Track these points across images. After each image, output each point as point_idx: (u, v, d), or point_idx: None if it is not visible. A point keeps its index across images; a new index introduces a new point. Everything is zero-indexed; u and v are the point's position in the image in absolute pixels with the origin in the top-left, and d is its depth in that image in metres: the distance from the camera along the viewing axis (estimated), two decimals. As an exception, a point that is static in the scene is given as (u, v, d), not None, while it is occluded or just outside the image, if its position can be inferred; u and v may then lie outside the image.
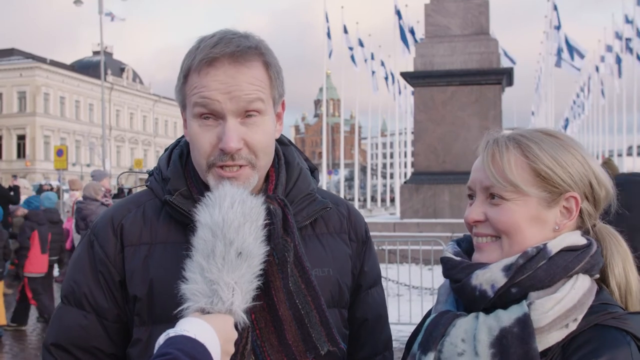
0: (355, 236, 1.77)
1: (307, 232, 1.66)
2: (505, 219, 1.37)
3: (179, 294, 1.34)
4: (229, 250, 1.32)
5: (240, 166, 1.50)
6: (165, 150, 1.73)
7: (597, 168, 1.40)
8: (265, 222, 1.44)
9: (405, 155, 35.03)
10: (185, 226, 1.55)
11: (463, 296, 1.40)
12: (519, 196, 1.35)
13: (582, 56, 29.84)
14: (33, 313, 9.87)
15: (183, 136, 1.69)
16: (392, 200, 34.81)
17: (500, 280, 1.32)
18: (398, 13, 29.84)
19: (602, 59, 37.35)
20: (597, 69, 39.21)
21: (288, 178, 1.66)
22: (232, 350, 1.32)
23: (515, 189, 1.35)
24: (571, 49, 28.55)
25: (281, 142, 1.72)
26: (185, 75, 1.53)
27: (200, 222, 1.39)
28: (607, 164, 6.70)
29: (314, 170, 1.76)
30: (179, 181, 1.60)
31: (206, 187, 1.56)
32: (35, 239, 9.47)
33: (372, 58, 33.78)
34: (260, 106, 1.51)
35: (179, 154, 1.66)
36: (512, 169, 1.36)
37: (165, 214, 1.60)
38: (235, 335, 1.33)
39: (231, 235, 1.33)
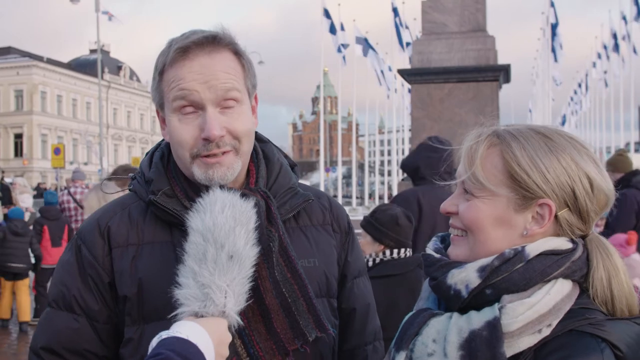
0: (339, 227, 1.80)
1: (291, 225, 1.69)
2: (469, 216, 1.33)
3: (173, 298, 1.35)
4: (220, 253, 1.33)
5: (224, 152, 1.52)
6: (146, 153, 1.74)
7: (593, 176, 1.31)
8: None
9: (403, 153, 34.98)
10: (171, 225, 1.57)
11: (439, 294, 1.38)
12: (488, 195, 1.32)
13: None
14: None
15: (163, 139, 1.71)
16: (390, 197, 34.80)
17: (474, 281, 1.28)
18: (395, 10, 29.81)
19: (599, 55, 37.35)
20: (594, 64, 39.22)
21: (269, 173, 1.68)
22: (226, 352, 1.33)
23: (484, 188, 1.31)
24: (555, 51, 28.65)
25: (259, 139, 1.75)
26: (161, 72, 1.55)
27: (191, 227, 1.39)
28: (620, 157, 6.59)
29: (294, 167, 1.78)
30: (162, 181, 1.61)
31: (189, 186, 1.59)
32: (46, 233, 9.91)
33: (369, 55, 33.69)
34: (237, 95, 1.54)
35: (160, 156, 1.67)
36: (484, 167, 1.32)
37: (150, 214, 1.61)
38: (229, 337, 1.34)
39: (222, 238, 1.34)
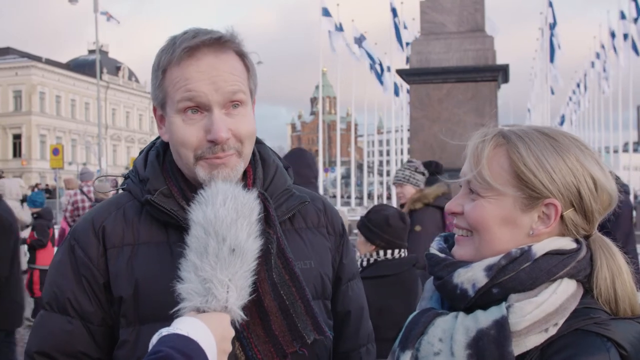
0: (333, 230, 1.80)
1: (286, 227, 1.68)
2: (475, 216, 1.34)
3: (169, 299, 1.33)
4: (221, 247, 1.31)
5: (229, 155, 1.52)
6: (140, 152, 1.72)
7: (597, 176, 1.31)
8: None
9: (402, 153, 34.97)
10: (167, 225, 1.56)
11: (445, 294, 1.38)
12: (494, 194, 1.32)
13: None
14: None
15: (158, 137, 1.69)
16: (389, 197, 34.80)
17: (482, 280, 1.29)
18: (393, 11, 29.81)
19: (597, 55, 37.37)
20: (592, 64, 39.24)
21: (265, 174, 1.67)
22: (229, 348, 1.31)
23: (490, 187, 1.32)
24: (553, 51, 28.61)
25: (256, 140, 1.72)
26: (164, 70, 1.53)
27: (193, 220, 1.37)
28: None
29: (287, 168, 1.78)
30: (158, 181, 1.59)
31: (187, 185, 1.58)
32: (50, 234, 10.00)
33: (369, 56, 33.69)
34: (243, 97, 1.54)
35: (156, 155, 1.66)
36: (490, 166, 1.32)
37: (145, 214, 1.59)
38: (232, 333, 1.32)
39: (224, 232, 1.32)
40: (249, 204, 1.40)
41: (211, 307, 1.28)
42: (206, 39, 1.50)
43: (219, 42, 1.52)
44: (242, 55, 1.57)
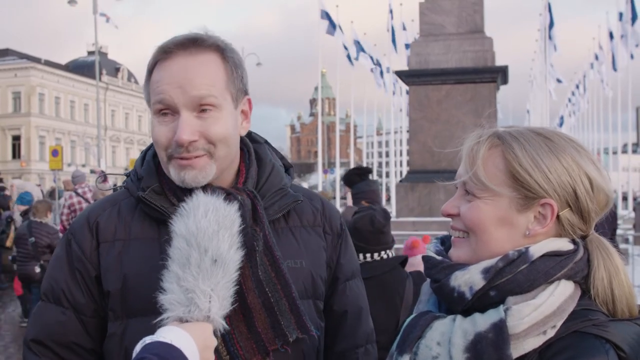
0: (330, 229, 1.80)
1: (280, 225, 1.70)
2: (472, 217, 1.33)
3: (154, 293, 1.35)
4: (203, 258, 1.33)
5: (196, 157, 1.53)
6: (141, 152, 1.76)
7: (593, 176, 1.31)
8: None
9: (401, 154, 34.97)
10: (159, 222, 1.59)
11: (442, 297, 1.37)
12: (490, 195, 1.31)
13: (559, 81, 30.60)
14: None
15: None
16: (388, 199, 34.81)
17: (479, 282, 1.28)
18: (392, 13, 29.79)
19: (596, 56, 37.37)
20: (592, 66, 39.24)
21: (260, 174, 1.69)
22: (211, 357, 1.33)
23: (486, 188, 1.31)
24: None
25: (254, 140, 1.77)
26: (150, 72, 1.58)
27: (175, 232, 1.39)
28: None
29: (288, 168, 1.79)
30: (152, 178, 1.63)
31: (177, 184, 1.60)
32: None
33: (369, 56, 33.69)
34: (214, 101, 1.53)
35: (153, 155, 1.70)
36: (485, 167, 1.32)
37: (139, 211, 1.63)
38: (214, 342, 1.34)
39: (205, 243, 1.34)
40: (230, 215, 1.42)
41: (194, 317, 1.30)
42: (179, 39, 1.54)
43: (195, 44, 1.54)
44: (221, 56, 1.58)
